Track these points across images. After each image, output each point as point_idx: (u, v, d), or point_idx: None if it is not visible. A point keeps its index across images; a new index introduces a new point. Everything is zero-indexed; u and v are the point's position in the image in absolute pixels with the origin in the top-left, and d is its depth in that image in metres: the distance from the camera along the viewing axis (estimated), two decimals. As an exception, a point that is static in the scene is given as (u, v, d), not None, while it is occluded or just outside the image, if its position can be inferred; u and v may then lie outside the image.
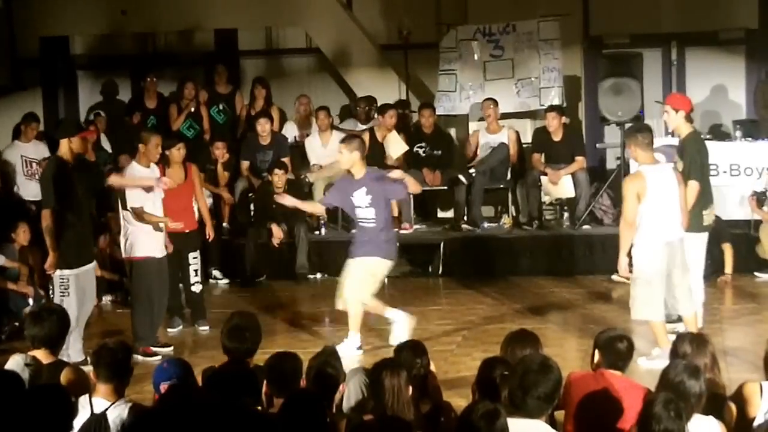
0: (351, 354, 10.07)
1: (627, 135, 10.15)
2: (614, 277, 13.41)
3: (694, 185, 10.21)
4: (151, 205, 10.88)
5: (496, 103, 15.49)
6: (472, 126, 15.91)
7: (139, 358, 10.11)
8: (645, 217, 9.66)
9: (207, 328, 11.69)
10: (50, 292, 10.12)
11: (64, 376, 6.64)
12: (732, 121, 16.13)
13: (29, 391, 5.89)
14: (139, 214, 10.76)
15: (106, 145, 16.34)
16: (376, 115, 15.79)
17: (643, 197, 9.61)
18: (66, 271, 9.97)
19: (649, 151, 9.84)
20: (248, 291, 14.16)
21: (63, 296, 9.89)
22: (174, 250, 11.32)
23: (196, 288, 11.84)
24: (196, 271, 11.79)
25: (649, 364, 9.22)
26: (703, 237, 10.51)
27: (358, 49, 17.46)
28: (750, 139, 14.87)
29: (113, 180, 10.81)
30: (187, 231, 11.68)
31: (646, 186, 9.63)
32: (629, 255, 9.78)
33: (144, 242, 10.82)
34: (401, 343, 6.85)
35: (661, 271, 9.73)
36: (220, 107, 16.43)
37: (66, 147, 9.99)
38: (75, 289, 9.96)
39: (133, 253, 10.85)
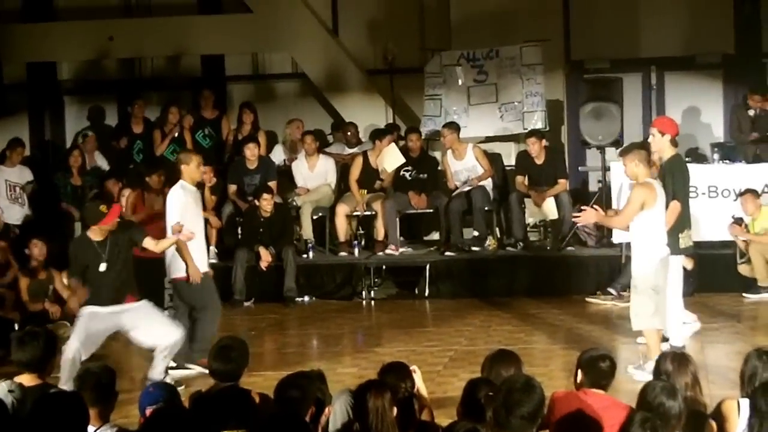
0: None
1: (629, 150, 10.01)
2: (589, 299, 13.48)
3: (676, 206, 10.23)
4: (196, 220, 10.77)
5: (454, 128, 15.43)
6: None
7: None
8: (649, 228, 9.76)
9: None
10: None
11: None
12: (710, 144, 16.16)
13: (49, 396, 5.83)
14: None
15: (102, 161, 16.46)
16: (375, 141, 15.67)
17: (649, 207, 9.70)
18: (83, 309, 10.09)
19: (648, 167, 9.87)
20: (236, 314, 14.09)
21: (72, 333, 10.05)
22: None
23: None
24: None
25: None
26: (680, 260, 10.53)
27: (344, 74, 17.48)
28: (727, 161, 14.90)
29: (148, 245, 10.48)
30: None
31: (656, 197, 9.73)
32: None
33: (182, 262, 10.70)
34: (385, 365, 6.79)
35: (664, 282, 9.84)
36: (206, 132, 16.38)
37: (96, 230, 10.06)
38: (80, 331, 9.97)
39: (173, 273, 10.77)
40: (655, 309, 9.80)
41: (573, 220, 11.03)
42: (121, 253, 10.16)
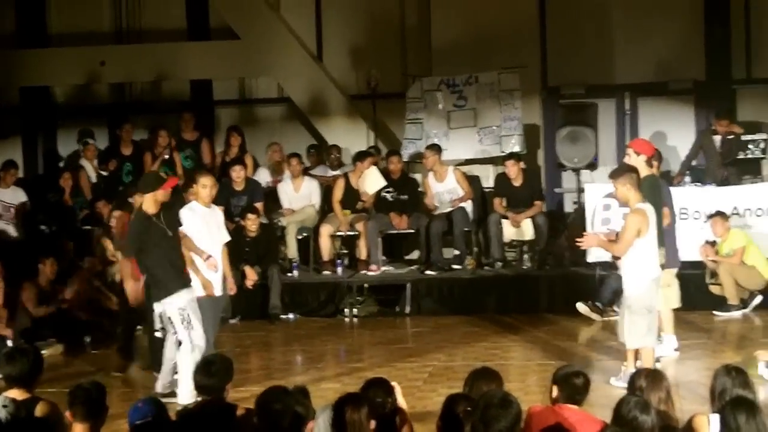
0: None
1: (620, 173, 9.96)
2: (580, 305, 13.43)
3: None
4: (208, 241, 10.58)
5: (436, 150, 15.48)
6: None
7: None
8: (642, 251, 9.74)
9: None
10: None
11: (39, 411, 6.59)
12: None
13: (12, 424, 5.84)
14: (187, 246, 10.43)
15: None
16: (357, 163, 15.69)
17: (644, 234, 9.69)
18: (170, 304, 9.95)
19: (638, 191, 9.88)
20: (223, 330, 14.01)
21: (187, 329, 9.93)
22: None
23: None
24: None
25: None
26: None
27: (328, 99, 17.51)
28: (698, 184, 14.96)
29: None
30: None
31: (649, 223, 9.74)
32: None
33: (196, 281, 10.44)
34: (368, 381, 6.79)
35: (656, 302, 9.90)
36: (187, 153, 16.38)
37: (150, 200, 9.95)
38: (196, 320, 9.96)
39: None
40: (648, 328, 9.82)
41: (576, 243, 10.78)
42: (175, 225, 10.11)
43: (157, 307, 10.27)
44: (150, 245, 9.96)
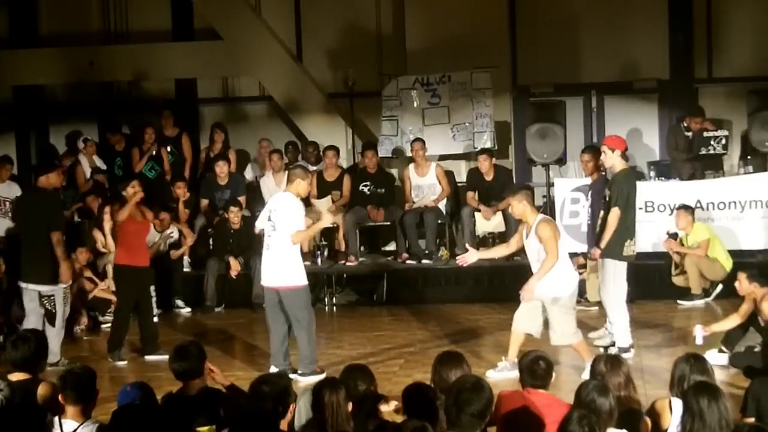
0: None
1: (516, 191, 10.12)
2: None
3: (616, 211, 10.38)
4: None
5: (424, 143, 15.56)
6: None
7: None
8: (562, 255, 9.86)
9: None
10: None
11: (39, 392, 6.64)
12: (646, 163, 16.34)
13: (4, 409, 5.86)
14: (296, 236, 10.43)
15: (100, 162, 16.58)
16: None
17: (559, 238, 9.83)
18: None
19: (534, 206, 10.09)
20: (208, 319, 14.11)
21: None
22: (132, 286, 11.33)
23: (156, 319, 11.62)
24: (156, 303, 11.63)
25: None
26: (622, 265, 10.57)
27: (307, 97, 17.50)
28: (663, 178, 15.04)
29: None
30: (142, 267, 11.59)
31: (557, 227, 9.94)
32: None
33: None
34: (347, 366, 6.83)
35: None
36: (169, 149, 16.37)
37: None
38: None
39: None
40: (575, 325, 9.98)
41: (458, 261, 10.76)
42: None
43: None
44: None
